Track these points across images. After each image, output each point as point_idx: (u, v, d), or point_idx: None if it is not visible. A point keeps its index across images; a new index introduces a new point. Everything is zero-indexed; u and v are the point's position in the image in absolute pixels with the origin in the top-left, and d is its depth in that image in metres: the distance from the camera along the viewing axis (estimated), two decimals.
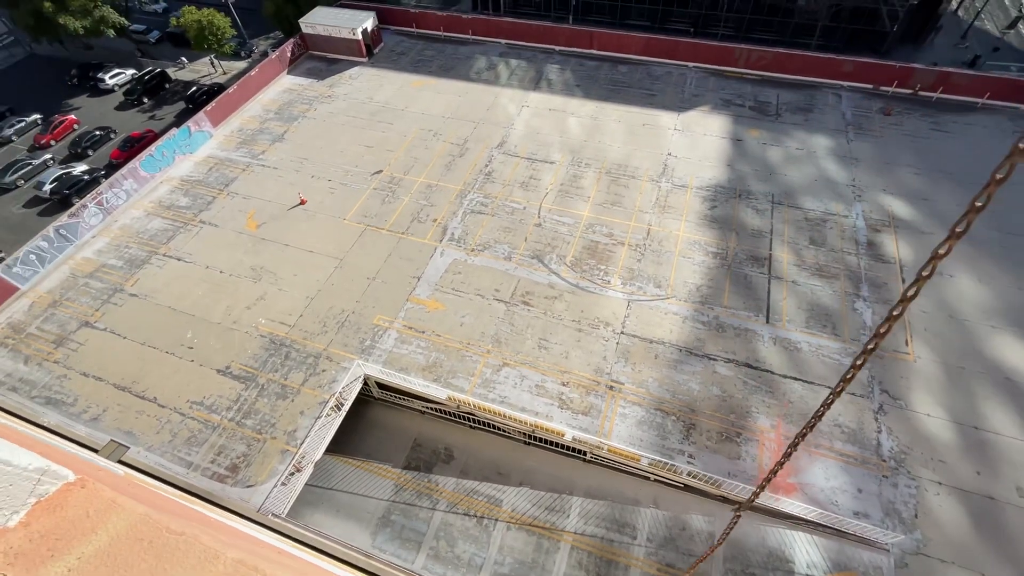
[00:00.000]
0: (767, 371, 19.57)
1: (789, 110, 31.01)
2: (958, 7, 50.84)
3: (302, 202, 26.88)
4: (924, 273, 3.00)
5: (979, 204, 2.48)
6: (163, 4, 62.23)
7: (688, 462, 17.44)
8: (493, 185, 27.36)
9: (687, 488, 17.78)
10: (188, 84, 50.15)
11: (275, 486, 16.87)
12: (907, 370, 19.37)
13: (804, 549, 16.35)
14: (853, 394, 18.75)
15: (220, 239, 25.32)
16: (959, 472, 16.98)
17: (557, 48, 36.78)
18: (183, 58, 53.17)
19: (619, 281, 22.63)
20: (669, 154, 28.63)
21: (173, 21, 48.78)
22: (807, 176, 26.91)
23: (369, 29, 36.17)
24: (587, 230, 24.86)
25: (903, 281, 22.10)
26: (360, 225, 25.68)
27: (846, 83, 32.23)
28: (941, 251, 2.79)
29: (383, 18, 38.95)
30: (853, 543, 16.07)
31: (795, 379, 19.30)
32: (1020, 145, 2.14)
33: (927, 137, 28.69)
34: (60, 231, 24.68)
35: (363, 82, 34.95)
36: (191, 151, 30.05)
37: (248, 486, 17.11)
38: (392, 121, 31.72)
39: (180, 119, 43.81)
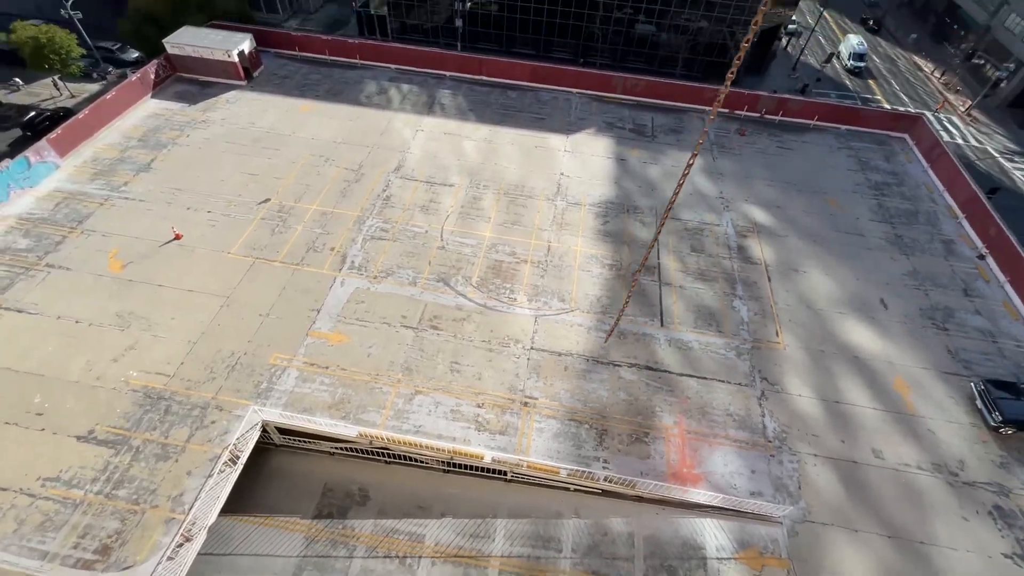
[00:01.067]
0: (666, 371, 21.02)
1: (663, 131, 34.18)
2: (787, 45, 59.87)
3: (176, 237, 24.30)
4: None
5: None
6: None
7: (604, 467, 18.07)
8: (392, 210, 26.83)
9: (605, 493, 18.38)
10: (25, 108, 43.35)
11: (160, 562, 14.71)
12: (780, 358, 21.87)
13: (712, 534, 17.57)
14: (740, 384, 20.74)
15: (75, 284, 22.00)
16: (828, 443, 19.40)
17: (448, 74, 37.37)
18: (17, 79, 46.03)
19: (525, 298, 23.14)
20: (562, 174, 30.11)
21: (1, 36, 42.25)
22: (683, 191, 29.73)
23: (246, 51, 34.11)
24: (490, 250, 25.20)
25: (769, 279, 25.08)
26: (248, 258, 23.75)
27: (708, 107, 36.32)
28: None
29: (262, 40, 36.99)
30: (752, 521, 17.60)
31: (690, 376, 20.92)
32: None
33: (775, 154, 33.12)
34: None
35: (243, 107, 32.75)
36: (31, 184, 25.97)
37: (125, 568, 14.75)
38: (279, 147, 29.99)
39: (16, 148, 37.67)
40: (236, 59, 33.39)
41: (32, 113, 41.91)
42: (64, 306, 21.09)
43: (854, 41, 58.56)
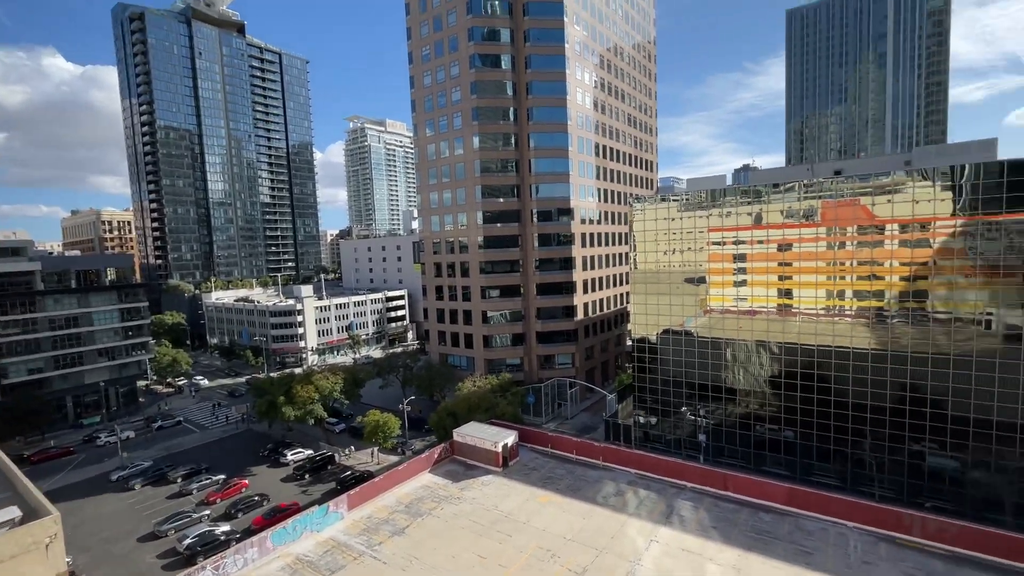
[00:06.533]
0: None
1: None
2: None
3: None
4: None
5: None
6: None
7: None
8: None
9: None
10: (345, 468, 57.09)
11: None
12: None
13: None
14: None
15: None
16: None
17: (689, 484, 36.16)
18: (352, 447, 62.74)
19: None
20: None
21: (359, 419, 60.47)
22: None
23: (509, 444, 40.38)
24: None
25: None
26: None
27: None
28: None
29: (524, 436, 43.77)
30: None
31: None
32: None
33: None
34: None
35: (492, 489, 36.44)
36: (318, 530, 31.21)
37: None
38: (511, 533, 30.76)
39: (325, 497, 47.83)
40: (499, 450, 39.49)
41: (347, 472, 54.46)
42: None
43: None
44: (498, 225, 77.33)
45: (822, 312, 46.48)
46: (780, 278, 48.36)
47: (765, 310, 49.05)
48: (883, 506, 30.89)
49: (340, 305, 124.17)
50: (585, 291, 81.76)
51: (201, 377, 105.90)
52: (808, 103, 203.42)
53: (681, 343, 53.99)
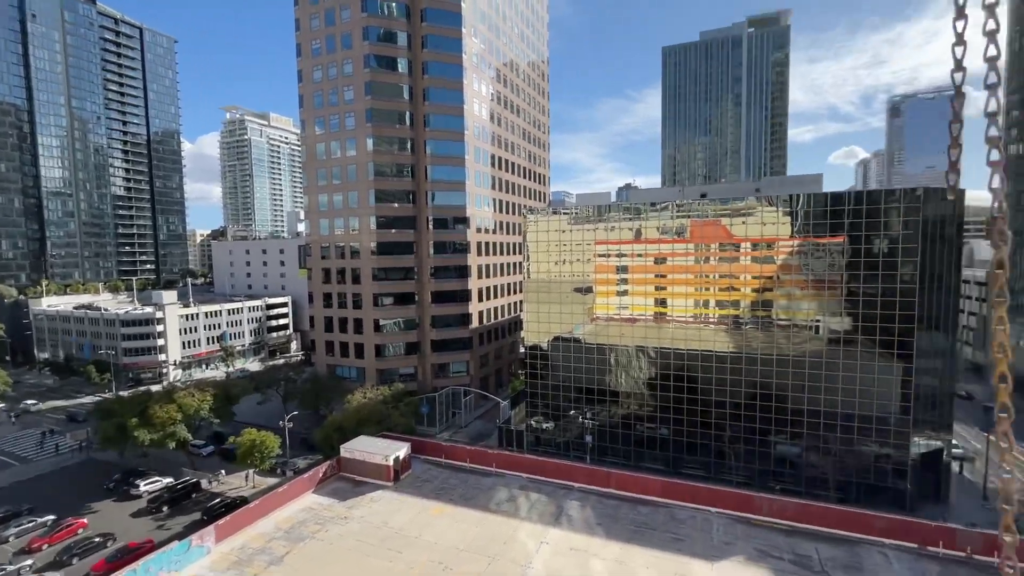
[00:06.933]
0: None
1: (836, 568, 28.08)
2: (960, 469, 52.92)
3: None
4: None
5: None
6: None
7: None
8: None
9: None
10: (214, 496, 51.13)
11: None
12: None
13: None
14: None
15: None
16: None
17: (576, 485, 37.87)
18: (222, 471, 56.41)
19: None
20: None
21: (231, 440, 54.56)
22: None
23: (401, 457, 39.14)
24: None
25: None
26: None
27: (887, 540, 30.30)
28: None
29: (417, 448, 42.71)
30: None
31: None
32: None
33: None
34: None
35: (383, 505, 35.01)
36: (178, 569, 27.55)
37: None
38: (401, 549, 29.75)
39: (188, 531, 42.35)
40: (391, 463, 38.10)
41: (216, 500, 48.85)
42: None
43: None
44: (392, 231, 75.15)
45: (691, 319, 51.69)
46: (656, 288, 52.94)
47: (644, 318, 53.30)
48: (739, 491, 34.94)
49: (211, 313, 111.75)
50: (480, 299, 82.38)
51: (34, 401, 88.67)
52: (680, 132, 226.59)
53: (570, 349, 56.59)
